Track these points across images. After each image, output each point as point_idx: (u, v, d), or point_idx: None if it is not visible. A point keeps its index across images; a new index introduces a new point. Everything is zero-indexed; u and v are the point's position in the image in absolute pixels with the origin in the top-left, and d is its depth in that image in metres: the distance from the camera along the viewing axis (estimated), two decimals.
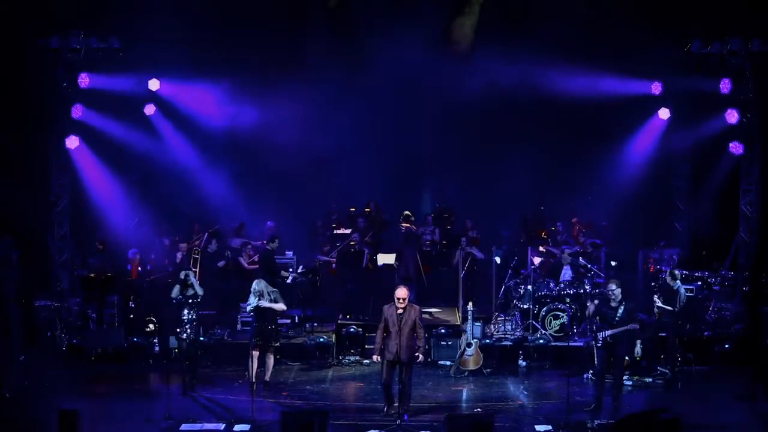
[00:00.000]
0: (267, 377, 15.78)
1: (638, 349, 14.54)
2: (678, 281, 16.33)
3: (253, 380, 15.48)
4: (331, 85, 21.16)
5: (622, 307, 14.40)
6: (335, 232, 21.24)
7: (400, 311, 13.92)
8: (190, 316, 15.52)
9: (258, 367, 15.61)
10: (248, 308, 15.81)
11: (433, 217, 21.66)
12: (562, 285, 18.47)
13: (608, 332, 14.29)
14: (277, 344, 16.09)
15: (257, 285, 15.75)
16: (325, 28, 21.24)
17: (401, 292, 14.01)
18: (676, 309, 16.06)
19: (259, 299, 15.58)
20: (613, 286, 14.58)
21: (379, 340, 13.99)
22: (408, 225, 18.98)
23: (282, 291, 19.05)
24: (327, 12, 21.43)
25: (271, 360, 15.83)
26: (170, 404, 13.92)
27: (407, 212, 19.17)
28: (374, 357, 14.27)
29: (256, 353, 15.59)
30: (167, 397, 14.01)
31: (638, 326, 14.50)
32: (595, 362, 14.81)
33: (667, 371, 16.27)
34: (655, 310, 16.31)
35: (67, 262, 19.80)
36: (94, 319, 18.41)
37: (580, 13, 19.81)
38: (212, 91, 21.15)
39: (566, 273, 18.77)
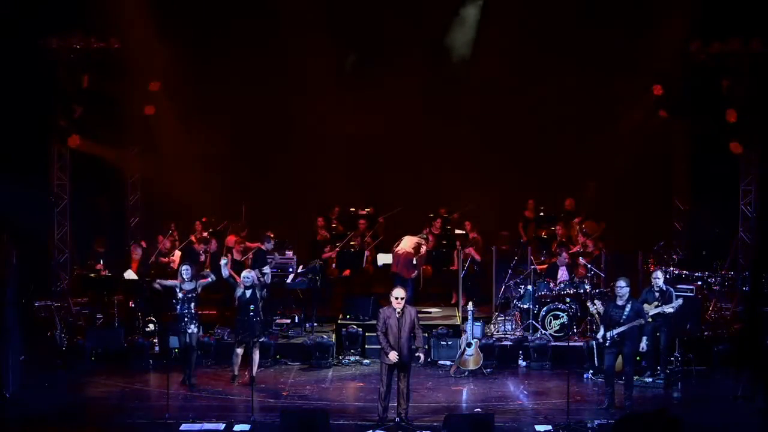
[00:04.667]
0: (254, 372, 15.66)
1: (644, 344, 14.53)
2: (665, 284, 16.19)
3: (236, 373, 15.67)
4: (331, 86, 21.19)
5: (629, 305, 14.42)
6: (335, 232, 21.25)
7: (398, 313, 13.82)
8: (191, 312, 15.54)
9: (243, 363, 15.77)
10: (238, 292, 15.72)
11: (442, 221, 21.57)
12: (561, 285, 18.47)
13: (616, 331, 14.33)
14: (263, 339, 16.09)
15: (248, 276, 15.72)
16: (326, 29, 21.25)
17: (398, 292, 13.85)
18: (671, 311, 16.00)
19: (246, 290, 15.60)
20: (622, 283, 14.59)
21: (385, 342, 13.81)
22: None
23: (282, 291, 19.23)
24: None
25: (257, 355, 15.77)
26: (170, 404, 13.93)
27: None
28: (392, 355, 13.56)
29: (240, 350, 15.72)
30: (167, 397, 14.01)
31: (644, 321, 14.53)
32: (604, 362, 14.78)
33: (660, 379, 16.15)
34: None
35: (67, 262, 19.80)
36: (101, 320, 18.37)
37: (579, 12, 19.79)
38: (213, 90, 21.14)
39: (563, 274, 18.77)
